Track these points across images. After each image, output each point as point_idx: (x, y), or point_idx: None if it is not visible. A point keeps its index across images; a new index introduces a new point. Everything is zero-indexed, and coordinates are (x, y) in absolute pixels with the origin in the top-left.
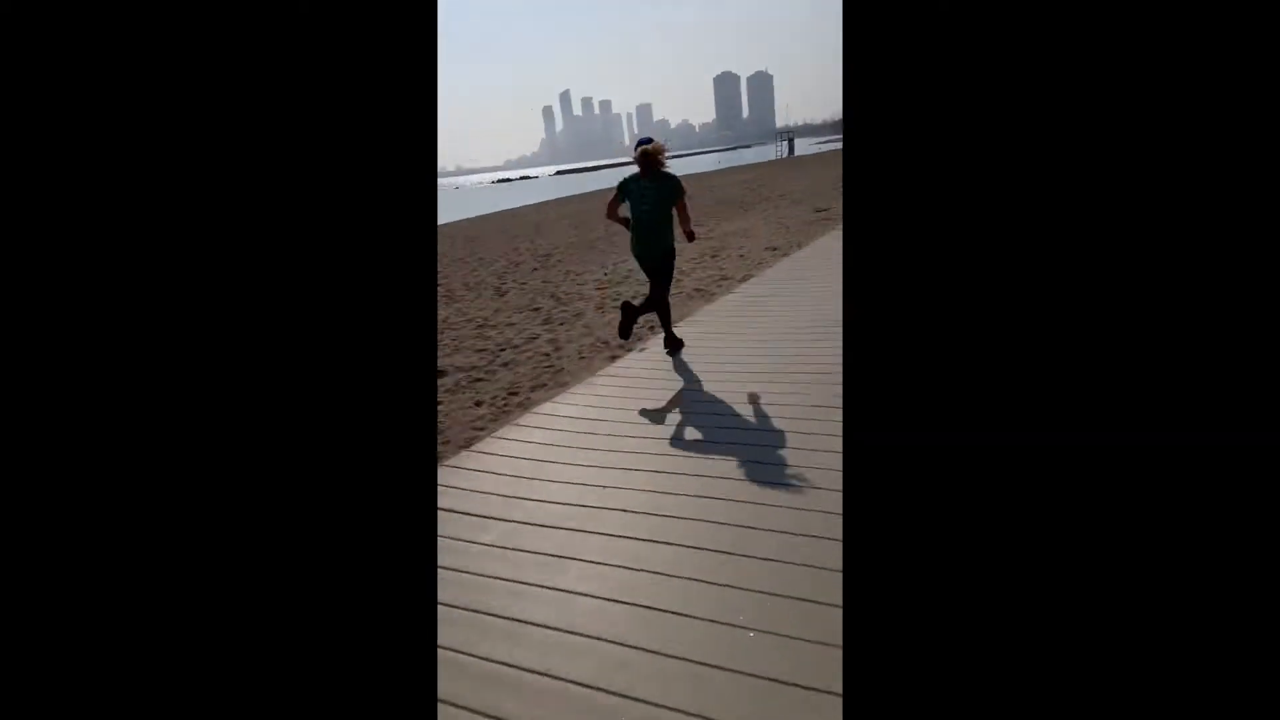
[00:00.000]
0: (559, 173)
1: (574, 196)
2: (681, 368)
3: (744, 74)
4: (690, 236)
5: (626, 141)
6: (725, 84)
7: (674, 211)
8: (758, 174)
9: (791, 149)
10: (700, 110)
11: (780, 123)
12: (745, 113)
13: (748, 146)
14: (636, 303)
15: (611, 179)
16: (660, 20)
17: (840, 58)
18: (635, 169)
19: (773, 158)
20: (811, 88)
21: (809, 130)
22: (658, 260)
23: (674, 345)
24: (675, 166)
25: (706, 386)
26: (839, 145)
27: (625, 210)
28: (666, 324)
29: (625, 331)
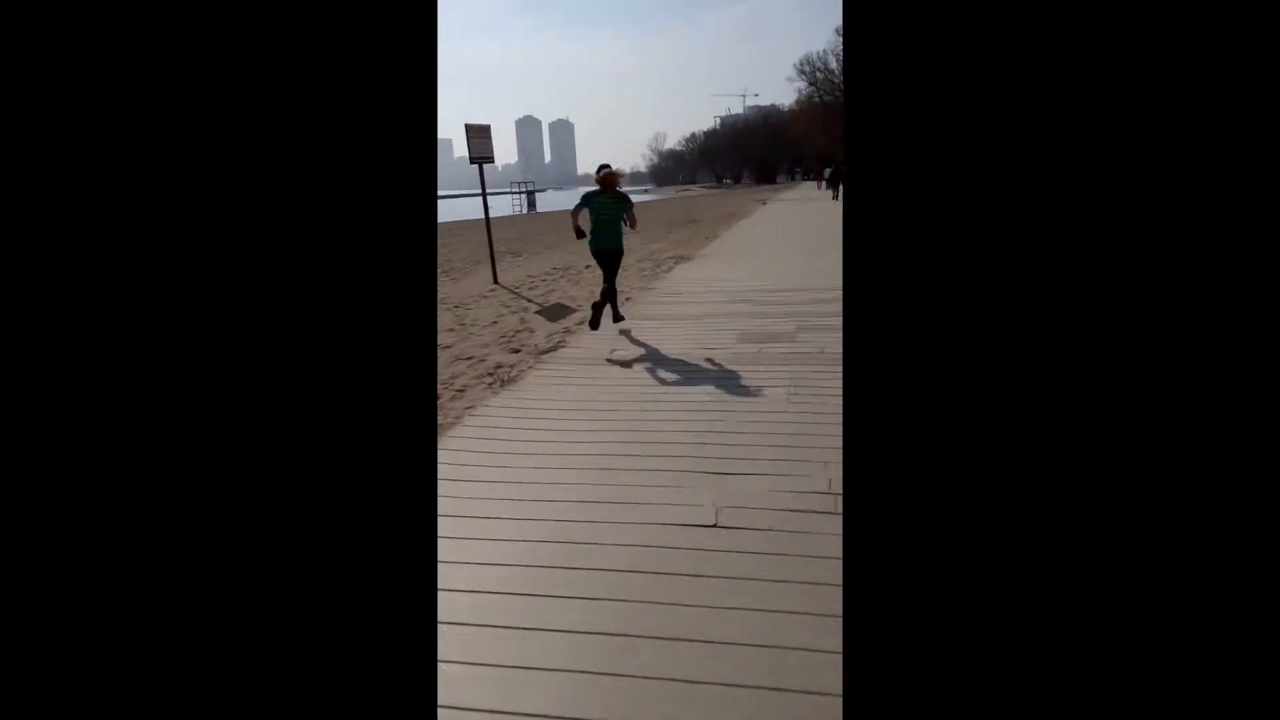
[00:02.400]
0: None
1: None
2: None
3: (546, 120)
4: (633, 225)
5: None
6: (528, 128)
7: (624, 218)
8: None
9: (532, 203)
10: (502, 151)
11: (581, 170)
12: (547, 158)
13: (542, 191)
14: (598, 299)
15: None
16: (468, 59)
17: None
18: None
19: (509, 213)
20: (612, 139)
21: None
22: (612, 255)
23: (616, 318)
24: (470, 205)
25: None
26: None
27: (584, 219)
28: (614, 305)
29: (595, 324)
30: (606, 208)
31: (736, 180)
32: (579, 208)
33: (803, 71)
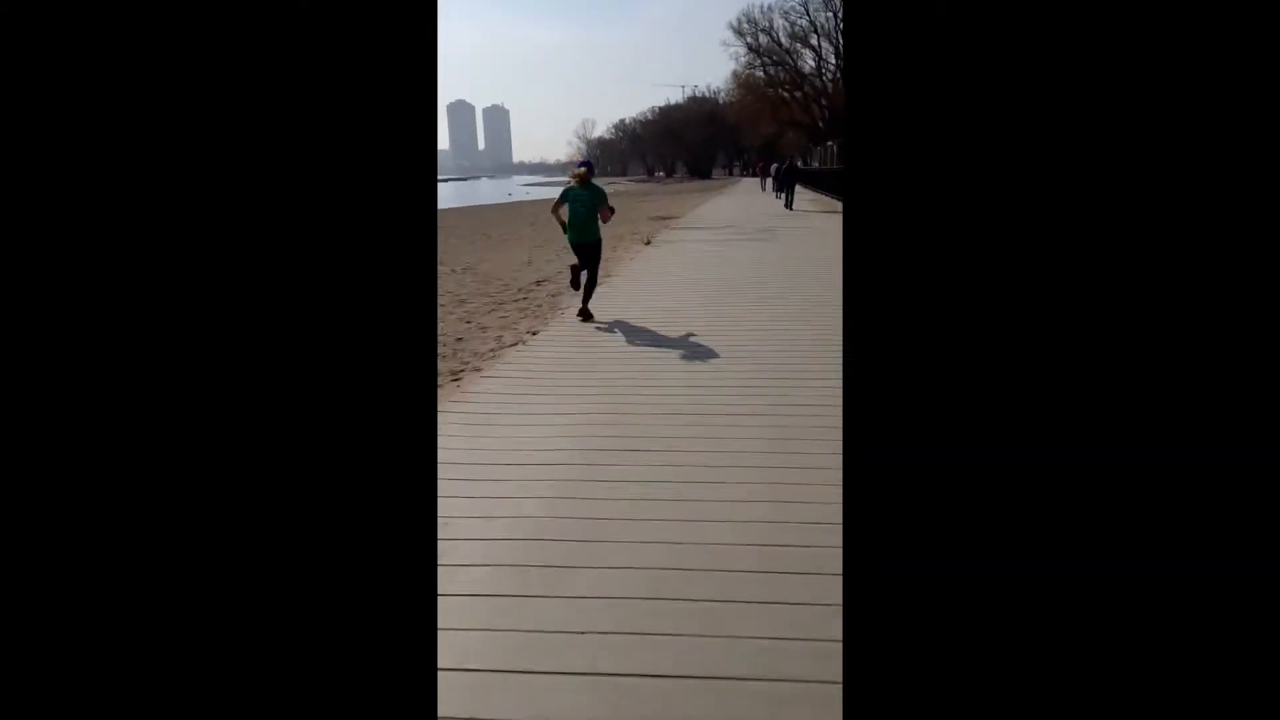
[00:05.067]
0: None
1: None
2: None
3: (479, 105)
4: (605, 220)
5: None
6: (460, 113)
7: (598, 210)
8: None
9: None
10: None
11: (516, 159)
12: (481, 144)
13: (475, 179)
14: (583, 285)
15: None
16: None
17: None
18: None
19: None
20: (549, 128)
21: (542, 169)
22: (590, 246)
23: (586, 316)
24: None
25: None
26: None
27: (564, 212)
28: (589, 296)
29: (576, 284)
30: (583, 200)
31: (669, 173)
32: (559, 203)
33: (740, 32)
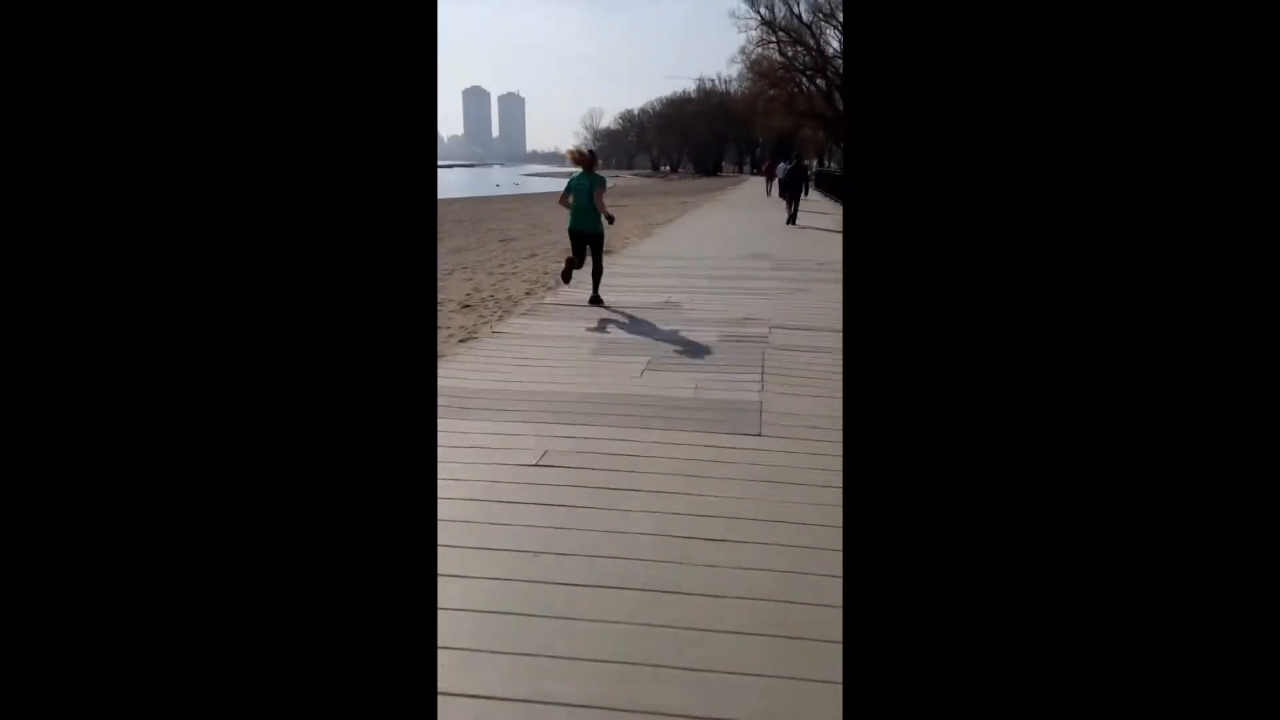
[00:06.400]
0: None
1: None
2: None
3: (495, 92)
4: (609, 219)
5: None
6: (475, 99)
7: (596, 198)
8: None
9: None
10: (448, 123)
11: (530, 147)
12: (495, 131)
13: (488, 166)
14: (579, 268)
15: None
16: None
17: (584, 85)
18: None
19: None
20: (565, 117)
21: (554, 159)
22: (589, 236)
23: (597, 301)
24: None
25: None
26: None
27: (571, 201)
28: (596, 282)
29: (567, 278)
30: (583, 187)
31: (674, 168)
32: (566, 194)
33: (753, 1)
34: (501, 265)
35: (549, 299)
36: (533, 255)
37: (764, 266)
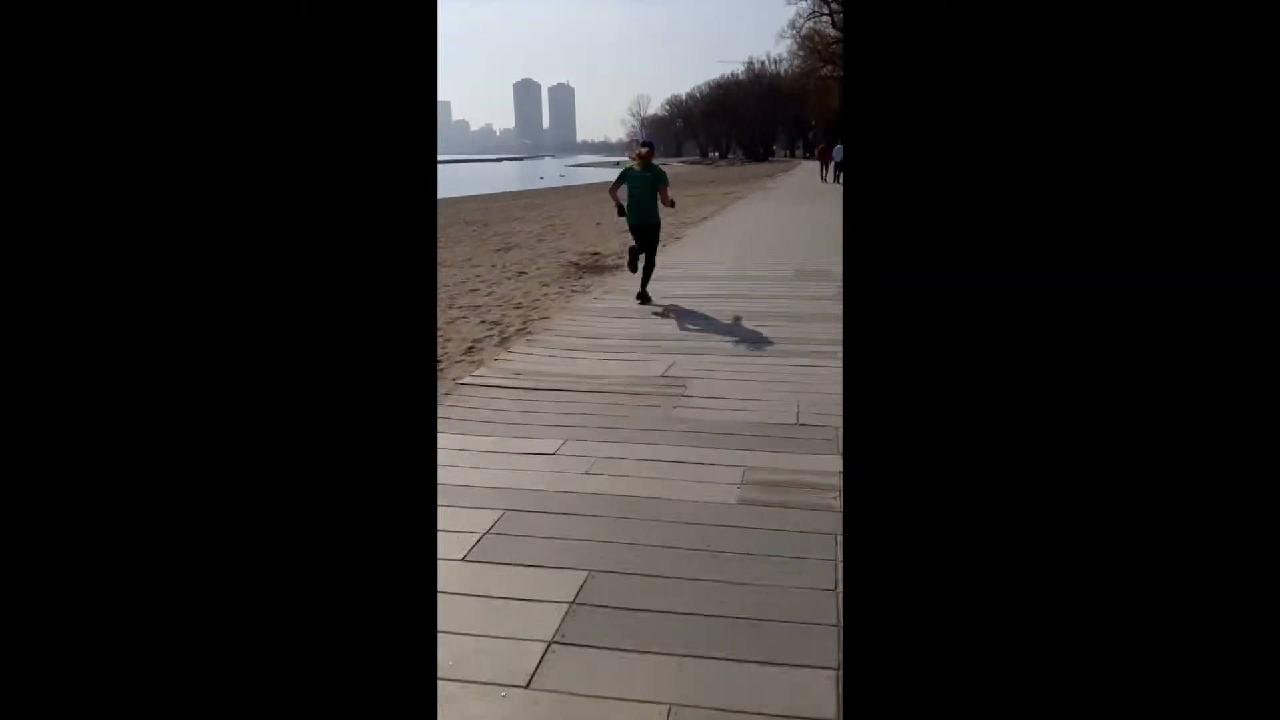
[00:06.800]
0: None
1: None
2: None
3: (545, 83)
4: (671, 204)
5: None
6: (526, 91)
7: (658, 192)
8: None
9: None
10: (500, 115)
11: (580, 138)
12: (546, 123)
13: (540, 159)
14: (641, 267)
15: None
16: (469, 17)
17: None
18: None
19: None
20: (614, 106)
21: (604, 149)
22: (649, 229)
23: (642, 296)
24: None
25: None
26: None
27: (623, 193)
28: (647, 279)
29: (634, 266)
30: (644, 181)
31: (723, 154)
32: (618, 184)
33: None
34: (474, 291)
35: (485, 368)
36: (521, 274)
37: (826, 294)
